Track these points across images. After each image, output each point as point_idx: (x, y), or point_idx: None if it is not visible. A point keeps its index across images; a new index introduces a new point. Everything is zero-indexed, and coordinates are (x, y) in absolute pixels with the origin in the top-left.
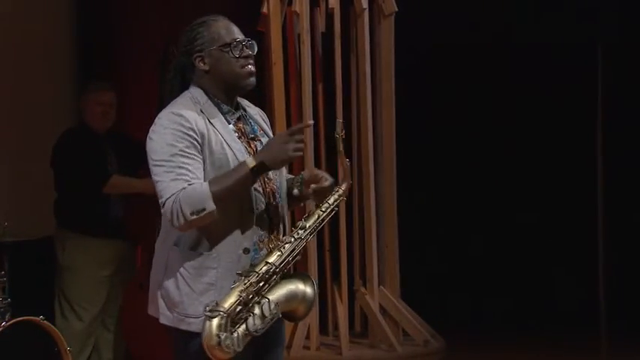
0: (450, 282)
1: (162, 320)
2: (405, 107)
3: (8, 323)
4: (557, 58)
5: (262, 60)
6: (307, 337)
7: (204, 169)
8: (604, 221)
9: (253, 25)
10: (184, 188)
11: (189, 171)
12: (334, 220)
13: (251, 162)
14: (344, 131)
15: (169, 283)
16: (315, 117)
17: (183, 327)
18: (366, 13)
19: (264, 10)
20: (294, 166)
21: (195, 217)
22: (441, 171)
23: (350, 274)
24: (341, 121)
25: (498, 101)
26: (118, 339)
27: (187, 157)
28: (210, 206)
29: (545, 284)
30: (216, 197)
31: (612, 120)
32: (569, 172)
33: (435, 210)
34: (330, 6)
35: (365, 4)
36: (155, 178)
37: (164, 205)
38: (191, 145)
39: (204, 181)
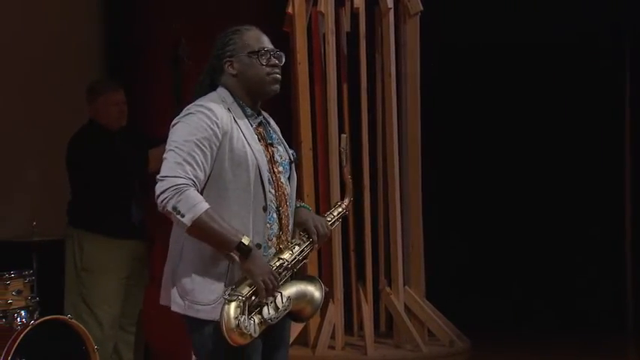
0: (476, 282)
1: (174, 308)
2: (430, 107)
3: (37, 322)
4: (584, 57)
5: (288, 60)
6: (332, 337)
7: (223, 163)
8: (632, 222)
9: (279, 25)
10: (190, 186)
11: (195, 162)
12: (359, 221)
13: (246, 240)
14: (348, 145)
15: (183, 272)
16: (340, 117)
17: (192, 314)
18: (392, 13)
19: (290, 10)
20: (321, 169)
21: (173, 212)
22: (467, 170)
23: (375, 274)
24: (346, 135)
25: (523, 100)
26: (138, 340)
27: (200, 147)
28: (187, 220)
29: (571, 285)
30: (198, 222)
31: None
32: (598, 173)
33: (460, 210)
34: (355, 6)
35: (390, 3)
36: (165, 156)
37: (163, 180)
38: (209, 138)
39: (208, 173)
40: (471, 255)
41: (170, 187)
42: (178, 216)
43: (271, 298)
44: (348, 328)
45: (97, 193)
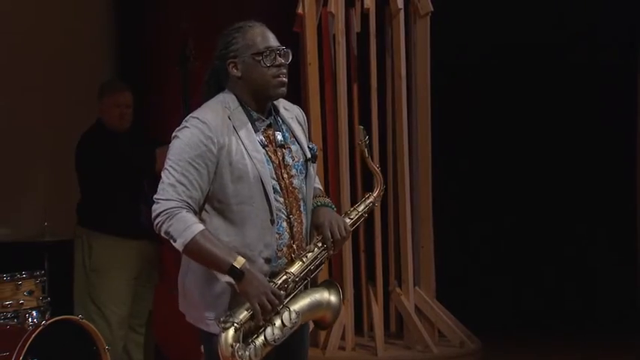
0: (487, 282)
1: (188, 319)
2: (440, 107)
3: (48, 322)
4: (596, 57)
5: (298, 60)
6: (342, 338)
7: (223, 178)
8: None
9: (289, 25)
10: (182, 209)
11: (189, 181)
12: (369, 221)
13: (238, 263)
14: (367, 137)
15: (191, 285)
16: (350, 117)
17: (203, 327)
18: (402, 13)
19: (300, 10)
20: (331, 170)
21: (166, 237)
22: (478, 170)
23: (385, 275)
24: (362, 127)
25: (535, 100)
26: (148, 340)
27: (194, 166)
28: (179, 245)
29: (583, 285)
30: (190, 247)
31: None
32: (607, 174)
33: (470, 210)
34: (365, 6)
35: (400, 4)
36: (162, 174)
37: (157, 203)
38: (202, 155)
39: (207, 189)
40: (482, 255)
41: (163, 212)
42: (171, 240)
43: (275, 318)
44: (358, 329)
45: (103, 193)
